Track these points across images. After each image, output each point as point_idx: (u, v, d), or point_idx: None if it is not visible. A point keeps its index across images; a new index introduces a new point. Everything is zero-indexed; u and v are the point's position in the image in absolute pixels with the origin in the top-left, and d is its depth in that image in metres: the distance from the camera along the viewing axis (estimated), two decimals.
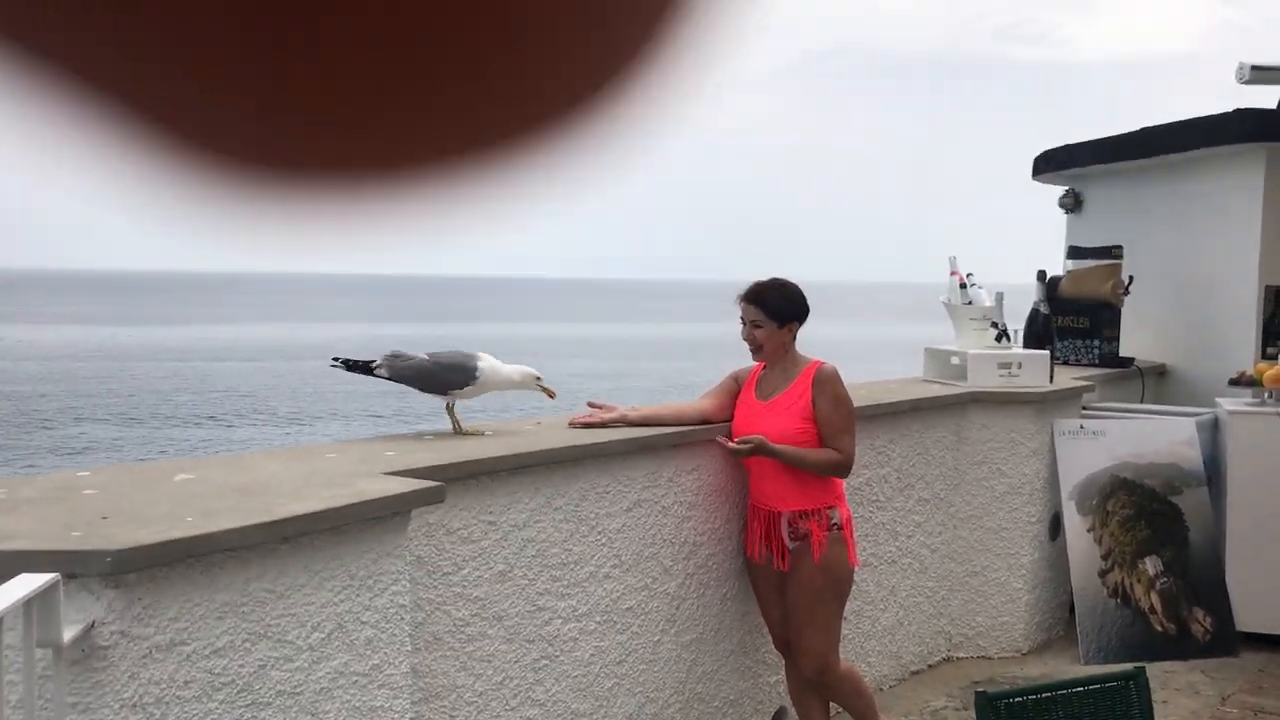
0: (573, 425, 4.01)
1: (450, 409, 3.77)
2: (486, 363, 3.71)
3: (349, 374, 3.62)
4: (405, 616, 2.98)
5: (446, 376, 3.69)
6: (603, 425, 4.02)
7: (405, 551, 2.98)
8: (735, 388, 4.28)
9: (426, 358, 3.69)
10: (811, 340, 4.18)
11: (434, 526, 3.32)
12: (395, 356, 3.68)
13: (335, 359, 3.63)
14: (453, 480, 3.26)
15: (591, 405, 4.13)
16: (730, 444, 4.08)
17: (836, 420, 4.06)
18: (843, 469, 4.07)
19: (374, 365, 3.63)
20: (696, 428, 4.17)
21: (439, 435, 3.77)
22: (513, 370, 3.77)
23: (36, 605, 2.04)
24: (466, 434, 3.74)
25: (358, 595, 2.84)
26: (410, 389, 3.71)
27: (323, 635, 2.76)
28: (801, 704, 4.25)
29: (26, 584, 2.02)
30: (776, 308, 4.09)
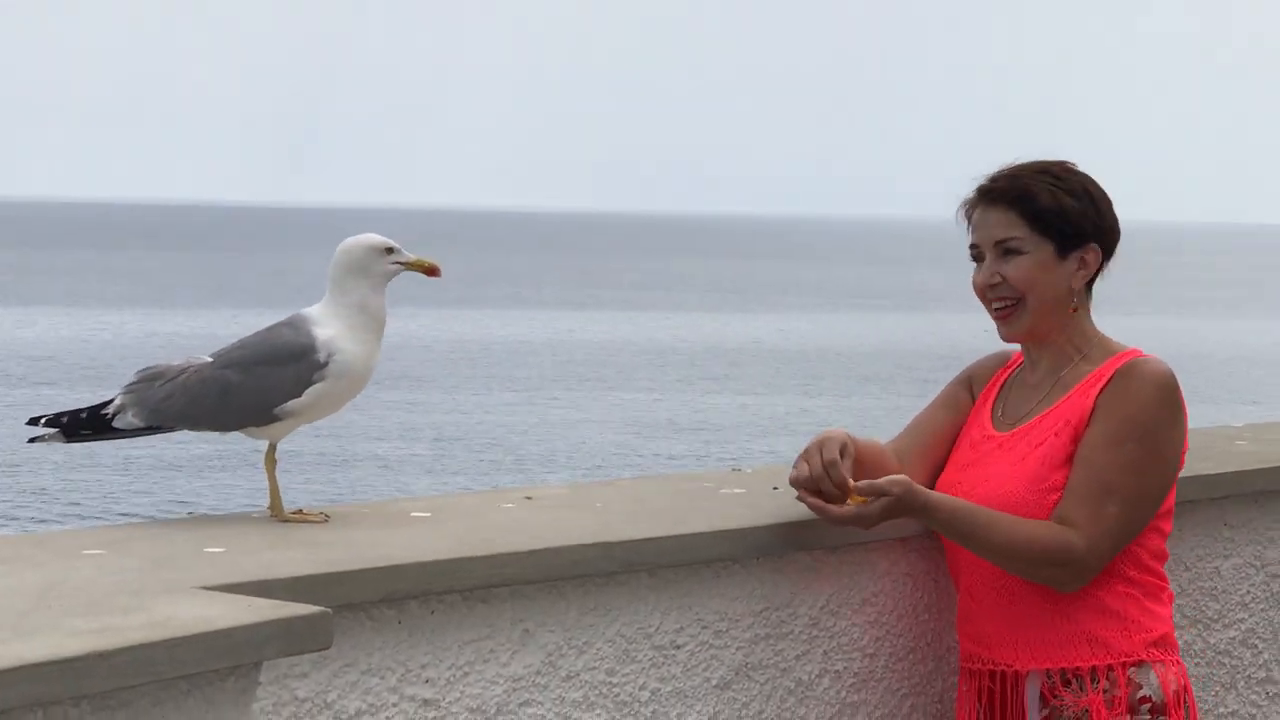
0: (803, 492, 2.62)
1: (270, 454, 2.54)
2: (326, 329, 2.50)
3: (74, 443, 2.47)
4: None
5: (261, 384, 2.48)
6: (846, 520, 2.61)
7: None
8: (965, 400, 2.93)
9: (210, 361, 2.51)
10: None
11: (305, 707, 2.24)
12: (148, 379, 2.49)
13: (37, 422, 2.47)
14: (349, 607, 2.21)
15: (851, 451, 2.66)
16: (838, 508, 2.56)
17: (1106, 461, 2.61)
18: (1068, 566, 2.61)
19: (109, 411, 2.47)
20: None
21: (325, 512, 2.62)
22: (356, 295, 2.52)
23: None
24: (293, 519, 2.52)
25: None
26: (200, 431, 2.53)
27: None
28: None
29: None
30: (1056, 211, 2.69)
